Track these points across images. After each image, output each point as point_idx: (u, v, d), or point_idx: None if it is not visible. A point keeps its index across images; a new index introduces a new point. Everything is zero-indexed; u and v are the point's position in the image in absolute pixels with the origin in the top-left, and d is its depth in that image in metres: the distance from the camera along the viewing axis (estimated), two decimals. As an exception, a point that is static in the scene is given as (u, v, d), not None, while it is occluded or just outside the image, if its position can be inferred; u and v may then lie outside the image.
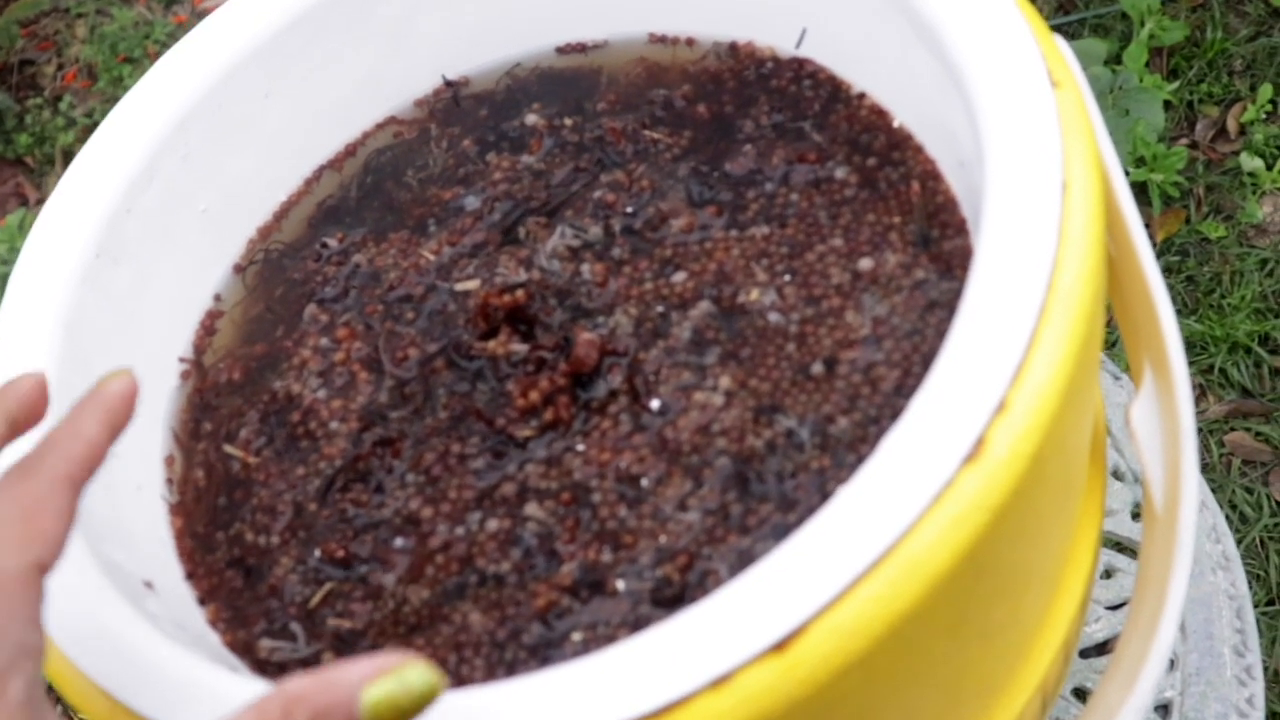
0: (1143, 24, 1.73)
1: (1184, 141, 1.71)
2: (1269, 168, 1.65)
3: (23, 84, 2.47)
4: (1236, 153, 1.67)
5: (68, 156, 2.33)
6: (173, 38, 2.37)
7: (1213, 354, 1.53)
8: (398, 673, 0.37)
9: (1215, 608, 0.84)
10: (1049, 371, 0.43)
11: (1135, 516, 0.90)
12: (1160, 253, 1.59)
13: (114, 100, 2.25)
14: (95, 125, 2.27)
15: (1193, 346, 1.53)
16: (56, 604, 0.49)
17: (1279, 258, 1.58)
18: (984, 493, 0.41)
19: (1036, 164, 0.47)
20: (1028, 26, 0.52)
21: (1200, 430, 1.45)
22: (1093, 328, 0.46)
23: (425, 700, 0.38)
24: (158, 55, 2.31)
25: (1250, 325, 1.53)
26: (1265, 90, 1.69)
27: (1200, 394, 1.51)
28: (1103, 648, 0.87)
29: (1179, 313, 1.53)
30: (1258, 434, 1.47)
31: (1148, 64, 1.72)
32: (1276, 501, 1.42)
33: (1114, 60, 1.73)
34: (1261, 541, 1.41)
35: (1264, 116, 1.69)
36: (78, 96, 2.38)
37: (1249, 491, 1.43)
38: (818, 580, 0.40)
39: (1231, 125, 1.71)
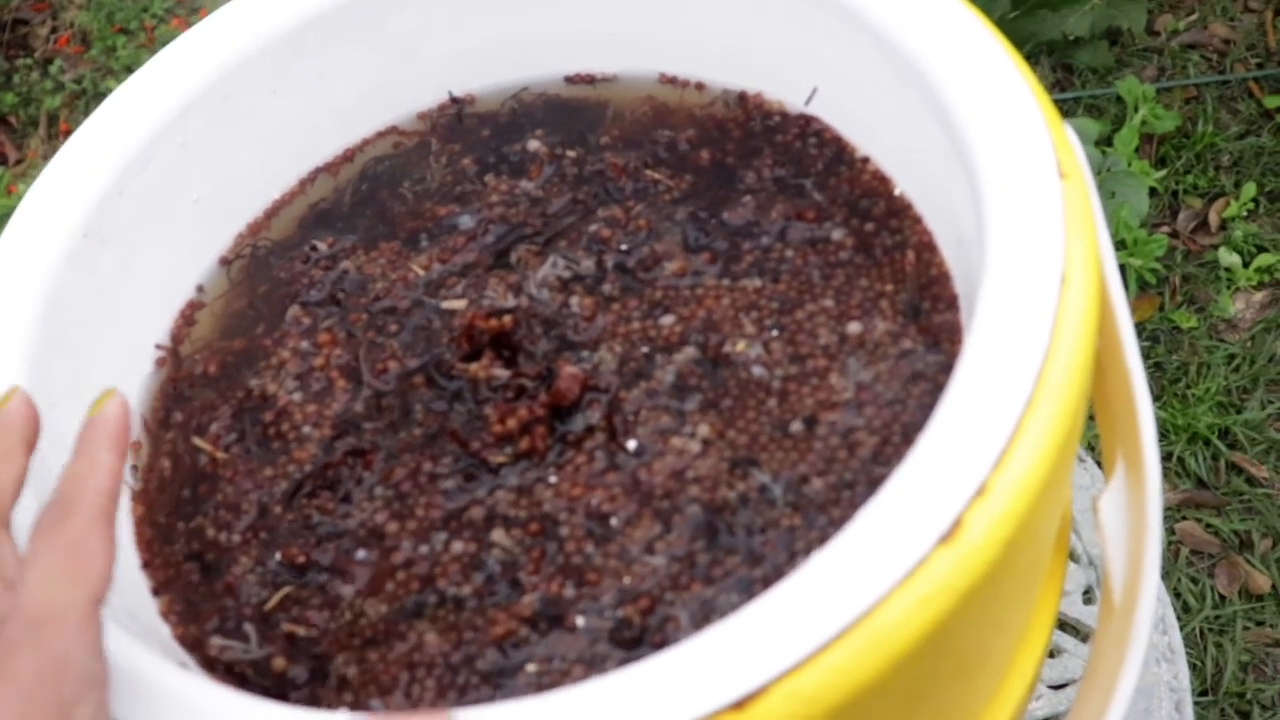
0: (1136, 110, 1.75)
1: (1165, 230, 1.73)
2: (1245, 265, 1.66)
3: (14, 43, 2.45)
4: (1215, 246, 1.69)
5: (52, 120, 2.31)
6: (170, 13, 2.36)
7: (1172, 442, 1.54)
8: None
9: (1156, 699, 0.85)
10: (1031, 461, 0.43)
11: (1087, 600, 0.91)
12: (1131, 337, 1.61)
13: (105, 69, 2.25)
14: (84, 92, 2.26)
15: (1153, 434, 1.54)
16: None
17: (1246, 354, 1.59)
18: (955, 574, 0.41)
19: (1039, 254, 0.47)
20: (1041, 114, 0.52)
21: (1152, 517, 1.46)
22: (1076, 421, 0.46)
23: None
24: (154, 29, 2.30)
25: (1212, 418, 1.54)
26: (1249, 188, 1.71)
27: (1156, 481, 1.52)
28: (1041, 726, 0.87)
29: (1143, 398, 1.55)
30: (1208, 525, 1.48)
31: (1137, 150, 1.74)
32: (1220, 594, 1.43)
33: (1105, 142, 1.75)
34: (1201, 632, 1.42)
35: (1245, 214, 1.71)
36: (69, 62, 2.36)
37: (1194, 581, 1.44)
38: (784, 643, 0.40)
39: (1213, 219, 1.72)
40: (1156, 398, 1.57)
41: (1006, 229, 0.49)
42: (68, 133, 2.24)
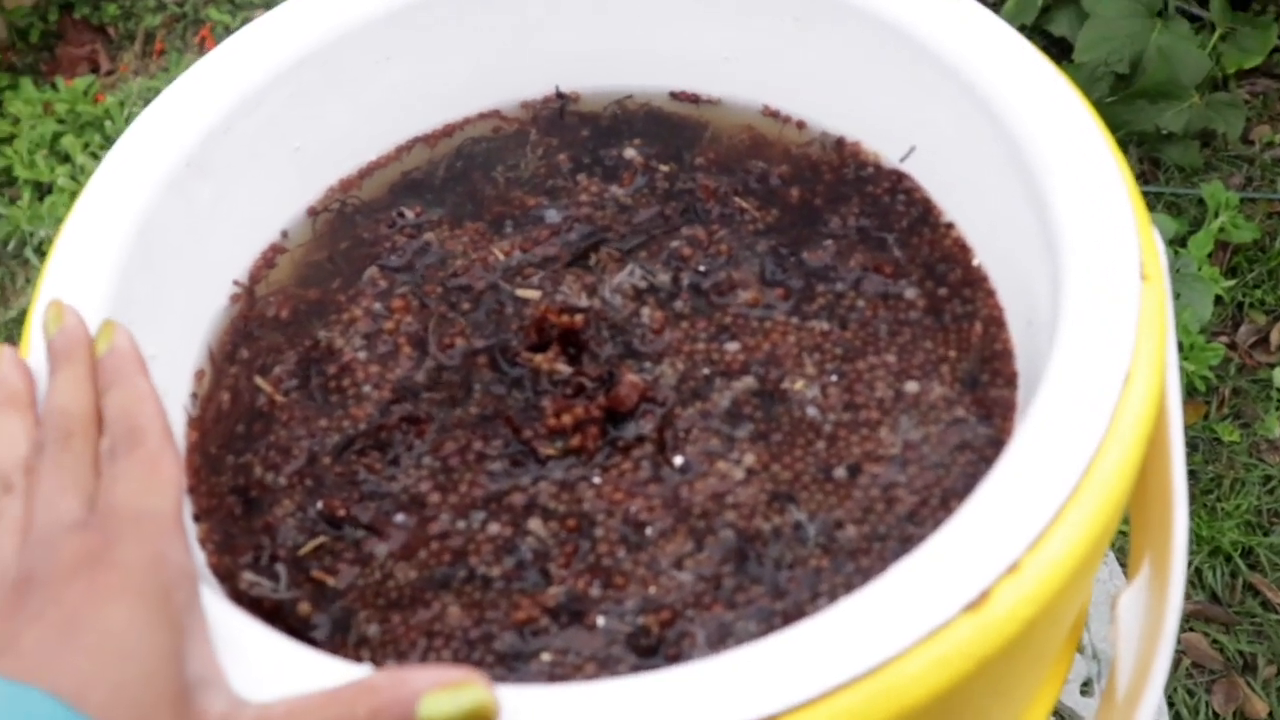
0: (1217, 215, 1.75)
1: (1224, 339, 1.73)
2: (1298, 389, 1.66)
3: (126, -43, 2.48)
4: (1271, 365, 1.69)
5: (149, 38, 2.34)
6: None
7: (1194, 552, 1.54)
8: (456, 689, 0.42)
9: (1136, 800, 0.86)
10: (1066, 547, 0.44)
11: (1084, 691, 0.91)
12: (1171, 440, 1.61)
13: (208, -3, 2.27)
14: (184, 15, 2.29)
15: (1176, 538, 1.54)
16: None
17: (1282, 478, 1.60)
18: (975, 642, 0.43)
19: (1108, 350, 0.49)
20: (1133, 214, 0.53)
21: (1161, 621, 1.47)
22: (1115, 516, 0.48)
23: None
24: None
25: (1237, 535, 1.55)
26: (1315, 313, 1.71)
27: (1170, 586, 1.53)
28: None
29: (1172, 502, 1.55)
30: (1215, 641, 1.49)
31: (1210, 255, 1.74)
32: (1215, 712, 1.44)
33: (1179, 242, 1.75)
34: (1190, 745, 1.42)
35: (1308, 339, 1.71)
36: (175, -17, 2.39)
37: (1190, 694, 1.45)
38: (800, 678, 0.42)
39: (1274, 337, 1.72)
40: (1185, 504, 1.57)
41: (1081, 320, 0.50)
42: (162, 52, 2.28)
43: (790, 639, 0.43)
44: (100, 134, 2.08)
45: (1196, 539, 1.54)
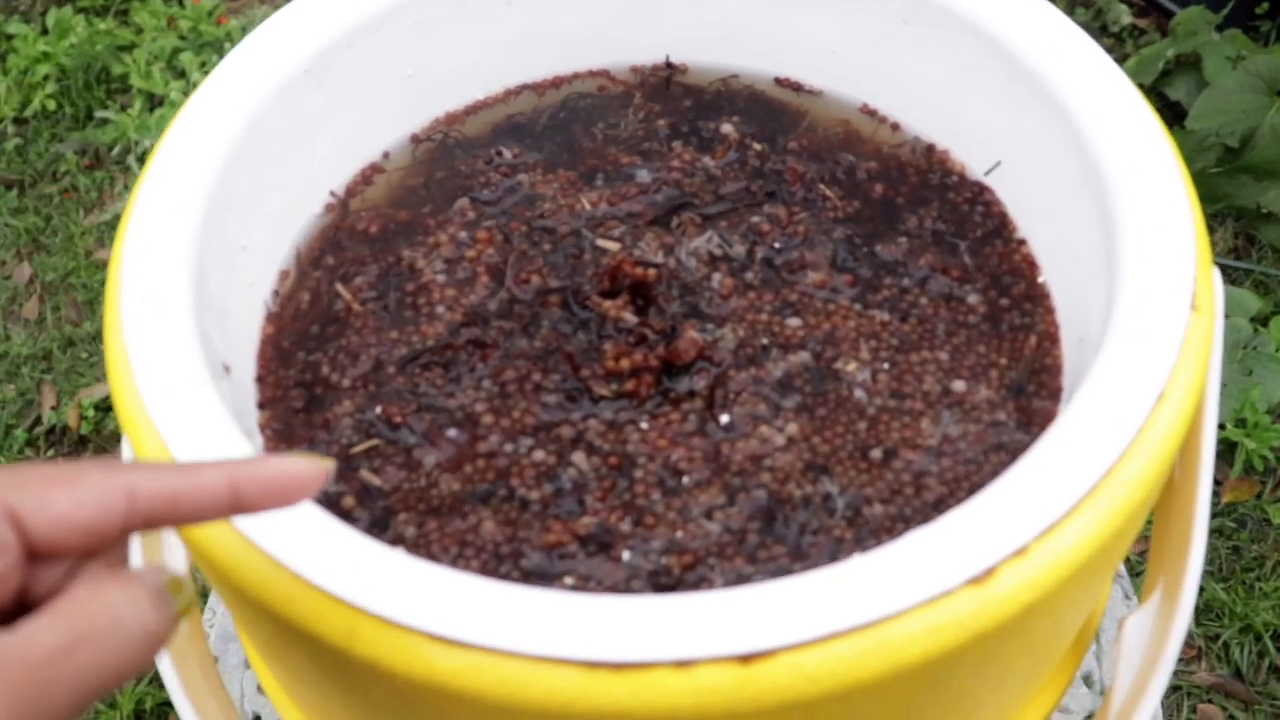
0: (1302, 300, 1.75)
1: (1289, 423, 1.72)
2: (1355, 483, 1.66)
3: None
4: (1333, 457, 1.68)
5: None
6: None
7: (1225, 625, 1.54)
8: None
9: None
10: (1076, 541, 0.46)
11: (1086, 725, 0.93)
12: (1220, 513, 1.61)
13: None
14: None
15: (1210, 610, 1.54)
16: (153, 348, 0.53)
17: (1326, 568, 1.59)
18: (973, 615, 0.44)
19: (1147, 366, 0.50)
20: (1195, 252, 0.55)
21: (1180, 688, 1.47)
22: (1129, 525, 0.49)
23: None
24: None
25: (1270, 617, 1.54)
26: (1385, 411, 1.70)
27: (1196, 656, 1.53)
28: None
29: (1212, 574, 1.55)
30: (1231, 717, 1.49)
31: (1289, 339, 1.73)
32: (1219, 785, 1.44)
33: (1261, 321, 1.75)
34: (1189, 814, 1.42)
35: (1374, 434, 1.70)
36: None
37: (1198, 765, 1.45)
38: (803, 620, 0.44)
39: (1341, 430, 1.71)
40: (1224, 579, 1.57)
41: (1126, 336, 0.52)
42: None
43: (796, 584, 0.45)
44: (218, 55, 2.12)
45: (1230, 613, 1.54)
